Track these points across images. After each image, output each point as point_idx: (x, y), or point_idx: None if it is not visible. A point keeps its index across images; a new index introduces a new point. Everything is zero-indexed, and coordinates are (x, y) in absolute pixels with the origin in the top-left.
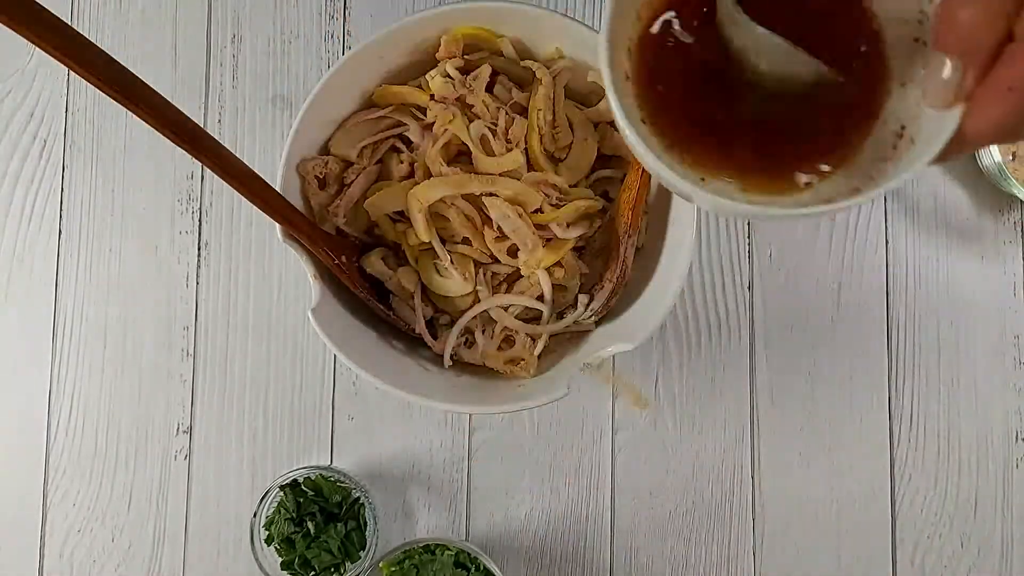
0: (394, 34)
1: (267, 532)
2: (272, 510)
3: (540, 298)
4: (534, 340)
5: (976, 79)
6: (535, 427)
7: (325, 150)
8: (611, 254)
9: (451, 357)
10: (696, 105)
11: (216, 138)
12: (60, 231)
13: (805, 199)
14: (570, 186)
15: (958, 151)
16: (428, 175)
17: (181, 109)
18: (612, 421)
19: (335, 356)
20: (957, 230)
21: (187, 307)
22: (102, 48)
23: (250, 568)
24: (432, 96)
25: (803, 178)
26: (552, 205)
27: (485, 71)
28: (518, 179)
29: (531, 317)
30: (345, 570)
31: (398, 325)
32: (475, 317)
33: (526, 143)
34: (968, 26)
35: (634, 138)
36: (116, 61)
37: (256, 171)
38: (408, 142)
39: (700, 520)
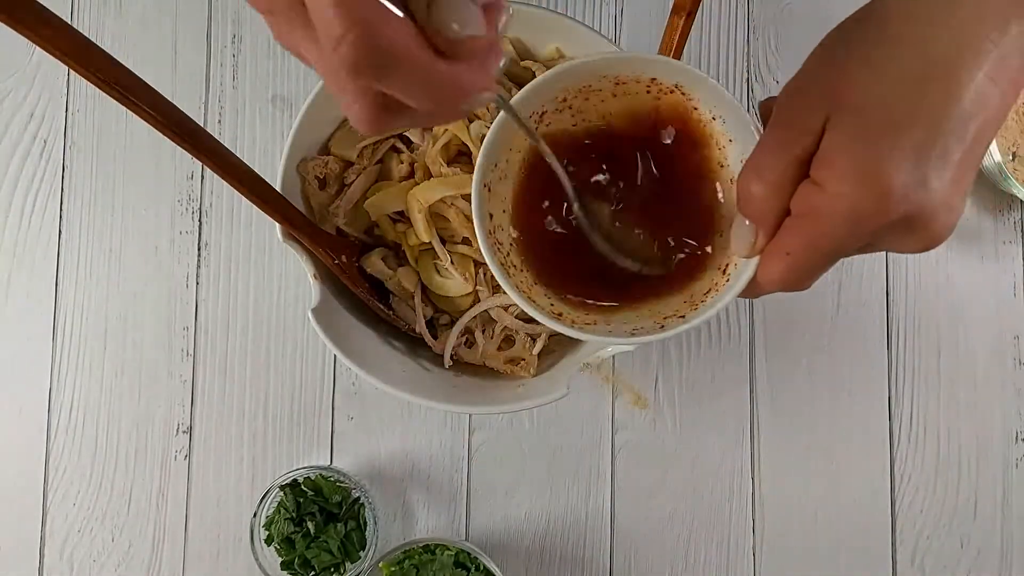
0: None
1: (267, 532)
2: (272, 510)
3: None
4: (534, 340)
5: (765, 238)
6: (535, 427)
7: (325, 150)
8: None
9: (451, 357)
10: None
11: (216, 138)
12: (60, 231)
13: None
14: None
15: (755, 293)
16: (428, 175)
17: (181, 109)
18: (612, 421)
19: (335, 356)
20: (957, 230)
21: (187, 307)
22: (102, 48)
23: (250, 568)
24: None
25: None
26: None
27: None
28: None
29: (531, 317)
30: (345, 570)
31: (398, 325)
32: (475, 317)
33: None
34: (758, 199)
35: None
36: (117, 61)
37: (256, 171)
38: (408, 142)
39: (700, 520)
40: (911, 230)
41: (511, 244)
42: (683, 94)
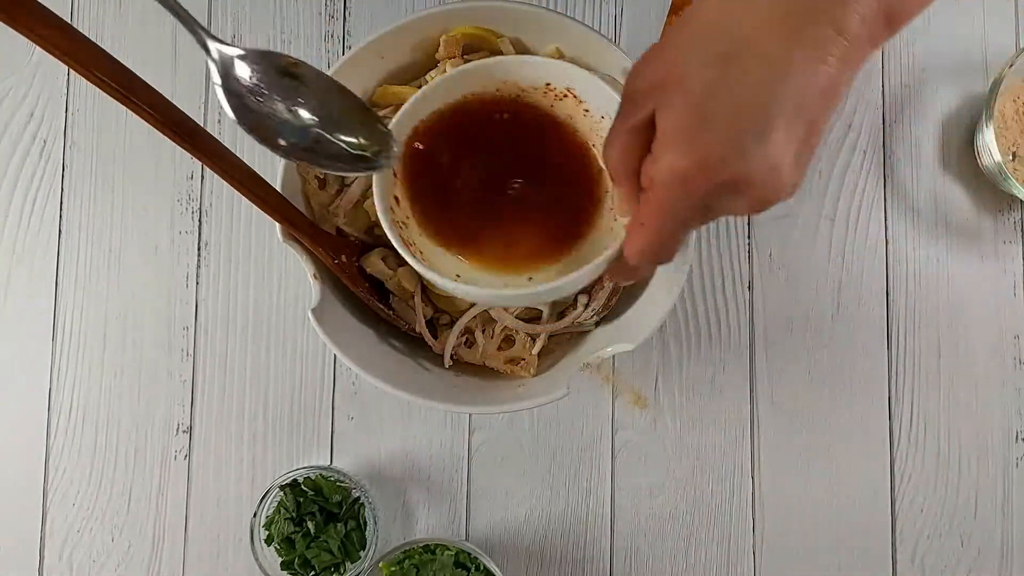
0: (394, 34)
1: (267, 532)
2: (272, 510)
3: None
4: (534, 339)
5: (623, 197)
6: (535, 427)
7: None
8: None
9: (451, 357)
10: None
11: (216, 138)
12: (60, 231)
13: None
14: None
15: (630, 274)
16: None
17: (181, 109)
18: (612, 421)
19: (335, 356)
20: (957, 230)
21: (187, 307)
22: (103, 48)
23: (250, 568)
24: None
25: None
26: None
27: None
28: None
29: (531, 317)
30: (345, 570)
31: (398, 325)
32: (475, 317)
33: None
34: (609, 161)
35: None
36: (117, 60)
37: (256, 171)
38: None
39: (700, 520)
40: (738, 192)
41: (407, 217)
42: (575, 97)
